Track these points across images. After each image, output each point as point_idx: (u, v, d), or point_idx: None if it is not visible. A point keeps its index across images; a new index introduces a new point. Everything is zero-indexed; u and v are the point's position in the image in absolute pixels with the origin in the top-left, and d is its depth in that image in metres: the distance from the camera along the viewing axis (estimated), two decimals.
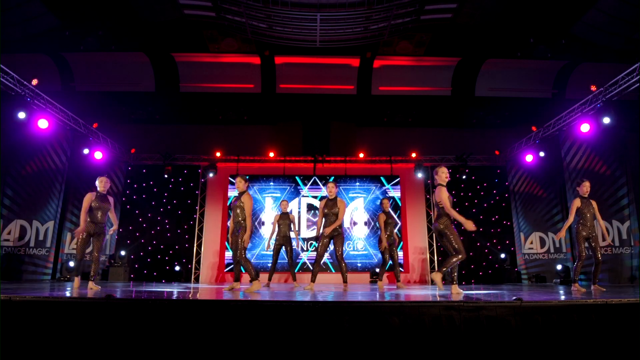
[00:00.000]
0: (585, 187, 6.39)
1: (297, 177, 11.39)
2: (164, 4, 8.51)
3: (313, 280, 6.54)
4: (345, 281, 6.62)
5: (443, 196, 5.14)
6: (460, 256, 5.04)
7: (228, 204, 11.04)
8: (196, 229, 11.05)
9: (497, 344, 3.35)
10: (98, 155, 10.11)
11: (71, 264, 10.20)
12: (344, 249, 6.68)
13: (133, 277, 10.49)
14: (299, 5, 8.21)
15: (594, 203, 6.44)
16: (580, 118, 8.62)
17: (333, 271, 10.73)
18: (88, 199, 6.10)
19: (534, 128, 10.07)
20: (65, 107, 8.97)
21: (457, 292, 4.98)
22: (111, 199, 6.33)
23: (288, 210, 8.35)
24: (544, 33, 9.44)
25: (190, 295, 4.75)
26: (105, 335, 3.31)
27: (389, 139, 11.72)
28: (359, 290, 6.63)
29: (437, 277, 5.06)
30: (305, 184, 11.36)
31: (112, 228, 6.56)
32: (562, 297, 4.46)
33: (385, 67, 10.58)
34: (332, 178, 11.27)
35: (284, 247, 8.00)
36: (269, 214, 11.08)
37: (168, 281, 10.28)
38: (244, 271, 5.99)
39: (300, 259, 10.84)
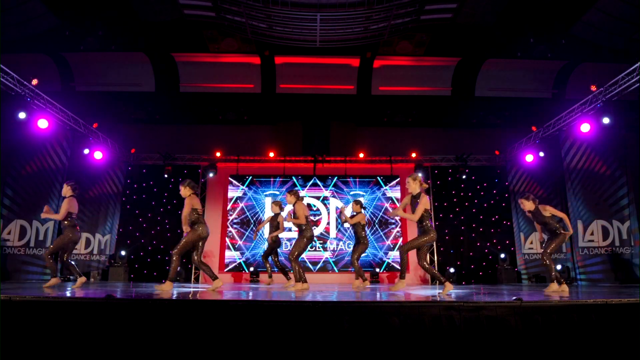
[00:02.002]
0: (522, 206, 6.14)
1: (297, 177, 11.39)
2: (164, 4, 8.50)
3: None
4: (288, 278, 6.78)
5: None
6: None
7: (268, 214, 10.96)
8: None
9: (497, 344, 3.35)
10: (98, 155, 10.10)
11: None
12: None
13: (133, 277, 10.48)
14: (299, 5, 8.20)
15: (541, 208, 5.98)
16: (580, 118, 8.61)
17: (336, 271, 10.75)
18: None
19: (534, 128, 10.07)
20: (65, 107, 8.97)
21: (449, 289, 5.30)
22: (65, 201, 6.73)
23: (281, 212, 8.03)
24: (544, 33, 9.44)
25: (190, 295, 4.75)
26: (105, 335, 3.31)
27: (389, 139, 11.71)
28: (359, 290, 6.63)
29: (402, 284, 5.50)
30: (305, 184, 11.36)
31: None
32: (562, 297, 4.46)
33: (385, 67, 10.58)
34: (336, 178, 11.30)
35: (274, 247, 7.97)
36: (269, 214, 11.08)
37: None
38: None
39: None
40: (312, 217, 11.16)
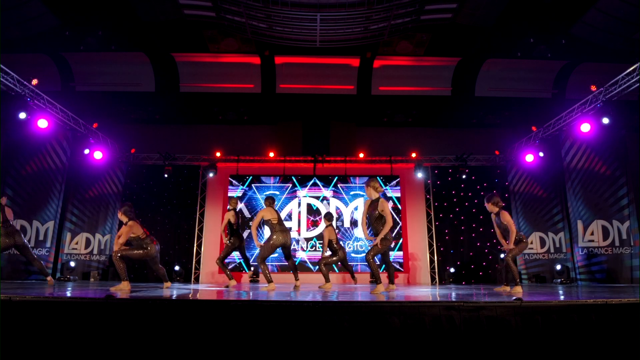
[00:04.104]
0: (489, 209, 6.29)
1: (297, 177, 11.39)
2: (164, 4, 8.50)
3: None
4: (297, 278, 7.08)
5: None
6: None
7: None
8: (196, 229, 11.05)
9: (497, 344, 3.35)
10: (98, 155, 10.11)
11: (72, 264, 10.21)
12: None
13: (132, 277, 10.48)
14: (299, 5, 8.20)
15: (501, 215, 6.17)
16: (580, 118, 8.61)
17: (337, 271, 10.75)
18: None
19: (534, 128, 10.07)
20: (65, 107, 8.97)
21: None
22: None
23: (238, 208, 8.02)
24: (544, 33, 9.44)
25: (190, 295, 4.75)
26: (105, 336, 3.31)
27: (389, 139, 11.71)
28: (359, 290, 6.63)
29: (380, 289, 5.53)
30: (305, 184, 11.36)
31: None
32: (562, 297, 4.46)
33: (385, 67, 10.58)
34: (336, 178, 11.32)
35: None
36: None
37: None
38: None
39: (297, 257, 10.85)
40: (312, 217, 11.17)
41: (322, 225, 11.10)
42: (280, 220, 6.78)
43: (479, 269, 10.88)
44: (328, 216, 7.73)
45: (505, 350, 3.34)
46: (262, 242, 6.83)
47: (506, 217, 6.12)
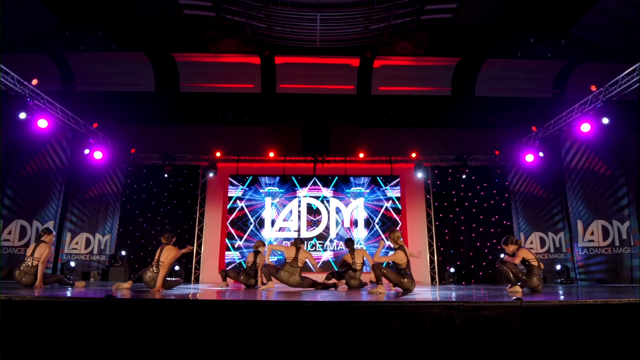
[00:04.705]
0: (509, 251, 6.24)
1: (296, 177, 11.38)
2: (164, 4, 8.50)
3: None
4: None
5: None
6: None
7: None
8: (196, 229, 11.05)
9: (497, 344, 3.35)
10: (98, 155, 10.11)
11: (72, 264, 10.21)
12: None
13: (133, 277, 10.48)
14: (299, 5, 8.20)
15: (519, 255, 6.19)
16: (580, 118, 8.61)
17: (337, 270, 10.74)
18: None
19: (534, 128, 10.07)
20: (65, 107, 8.97)
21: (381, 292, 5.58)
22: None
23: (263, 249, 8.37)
24: (544, 33, 9.44)
25: (190, 295, 4.75)
26: (105, 336, 3.31)
27: (389, 139, 11.71)
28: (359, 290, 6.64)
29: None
30: (305, 184, 11.36)
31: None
32: (562, 297, 4.46)
33: (385, 67, 10.58)
34: (336, 178, 11.32)
35: None
36: (269, 213, 11.10)
37: None
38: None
39: None
40: (312, 217, 11.17)
41: (323, 225, 11.12)
42: (293, 261, 7.02)
43: (479, 269, 10.88)
44: (349, 242, 7.80)
45: (505, 350, 3.34)
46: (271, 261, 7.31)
47: (525, 253, 6.13)
